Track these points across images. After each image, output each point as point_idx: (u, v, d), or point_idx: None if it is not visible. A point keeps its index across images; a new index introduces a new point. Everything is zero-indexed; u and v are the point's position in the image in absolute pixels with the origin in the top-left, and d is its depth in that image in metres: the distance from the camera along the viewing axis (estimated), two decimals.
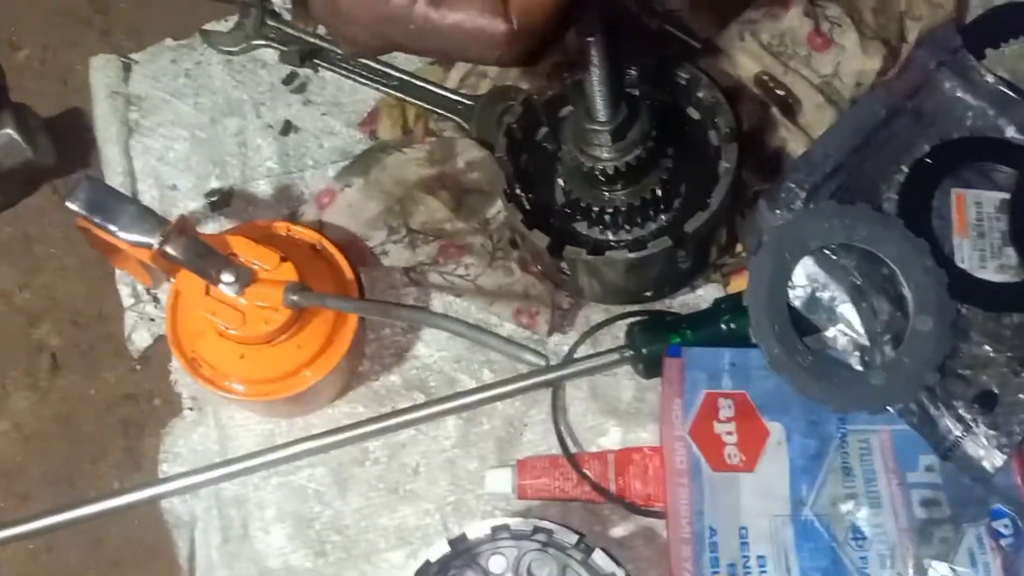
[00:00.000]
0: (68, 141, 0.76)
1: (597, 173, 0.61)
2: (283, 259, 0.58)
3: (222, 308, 0.56)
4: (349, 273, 0.64)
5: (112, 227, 0.53)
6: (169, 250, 0.54)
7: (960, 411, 0.64)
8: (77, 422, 0.71)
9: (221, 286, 0.56)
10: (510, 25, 0.45)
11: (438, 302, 0.72)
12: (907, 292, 0.66)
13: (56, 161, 0.73)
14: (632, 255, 0.62)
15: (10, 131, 0.69)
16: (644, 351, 0.67)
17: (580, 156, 0.61)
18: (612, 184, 0.62)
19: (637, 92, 0.69)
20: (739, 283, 0.72)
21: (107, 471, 0.69)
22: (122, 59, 0.78)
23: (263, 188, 0.75)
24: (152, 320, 0.71)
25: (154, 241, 0.54)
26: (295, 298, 0.56)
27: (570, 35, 0.47)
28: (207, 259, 0.55)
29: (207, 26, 0.78)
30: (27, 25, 0.80)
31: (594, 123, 0.59)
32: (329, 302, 0.55)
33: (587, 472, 0.66)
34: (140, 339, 0.71)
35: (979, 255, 0.69)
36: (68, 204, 0.52)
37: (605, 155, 0.60)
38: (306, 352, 0.61)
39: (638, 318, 0.70)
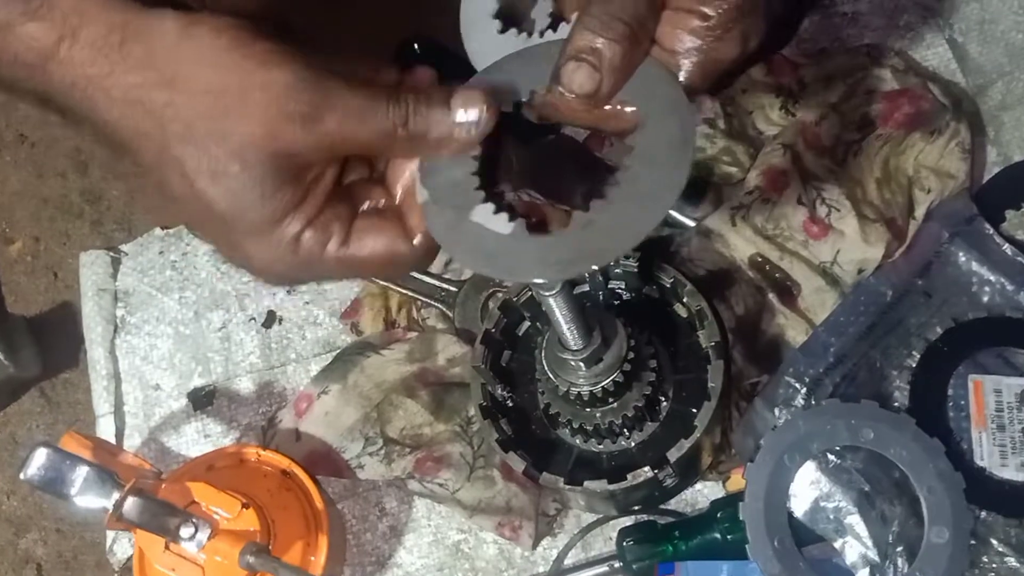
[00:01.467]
0: (56, 340, 0.76)
1: (573, 397, 0.58)
2: (245, 505, 0.56)
3: (182, 564, 0.55)
4: (319, 503, 0.62)
5: (67, 493, 0.52)
6: (125, 513, 0.53)
7: None
8: None
9: (180, 542, 0.54)
10: (410, 246, 0.47)
11: (421, 504, 0.69)
12: (921, 498, 0.61)
13: (41, 369, 0.73)
14: (612, 487, 0.58)
15: None
16: (634, 567, 0.63)
17: (555, 380, 0.58)
18: (591, 405, 0.59)
19: (623, 288, 0.66)
20: (738, 480, 0.68)
21: None
22: (111, 254, 0.78)
23: (245, 385, 0.73)
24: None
25: (109, 504, 0.53)
26: (251, 560, 0.54)
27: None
28: (165, 517, 0.54)
29: None
30: (20, 217, 0.82)
31: (566, 351, 0.56)
32: (282, 572, 0.53)
33: None
34: (121, 551, 0.70)
35: (999, 451, 0.64)
36: (22, 477, 0.51)
37: (581, 380, 0.57)
38: None
39: (629, 524, 0.66)
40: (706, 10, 0.45)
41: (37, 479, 0.52)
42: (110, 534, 0.70)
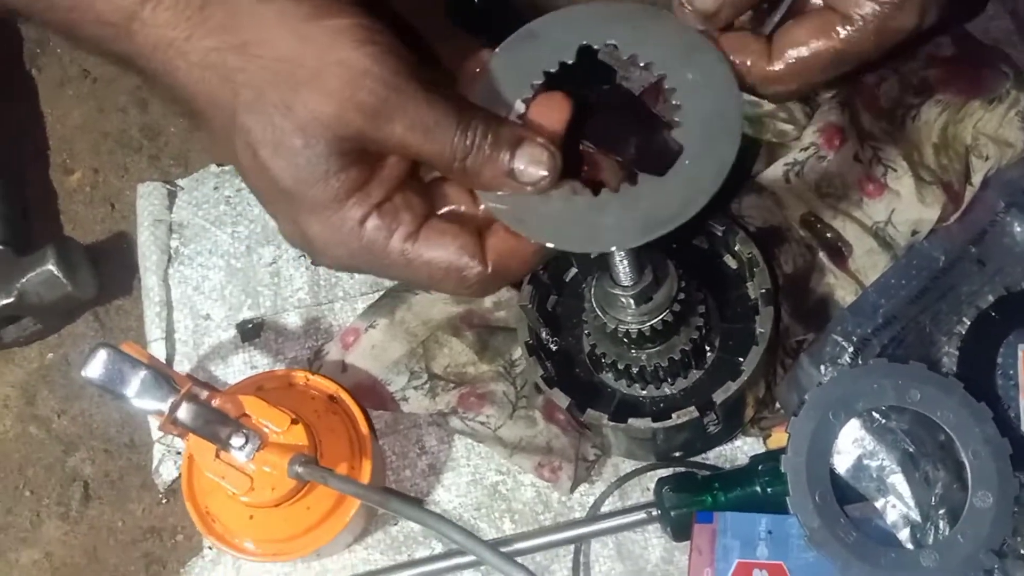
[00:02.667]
0: (112, 267, 0.78)
1: (621, 335, 0.58)
2: (294, 421, 0.57)
3: (231, 472, 0.56)
4: (364, 428, 0.63)
5: (125, 393, 0.54)
6: (179, 417, 0.54)
7: None
8: (103, 555, 0.71)
9: (231, 451, 0.56)
10: (485, 268, 0.45)
11: (461, 444, 0.70)
12: (966, 462, 0.60)
13: (97, 292, 0.75)
14: (656, 424, 0.58)
15: (51, 267, 0.71)
16: (672, 513, 0.63)
17: (604, 317, 0.58)
18: (638, 345, 0.60)
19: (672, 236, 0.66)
20: (780, 438, 0.68)
21: None
22: (167, 186, 0.79)
23: (293, 320, 0.74)
24: (179, 453, 0.71)
25: (165, 407, 0.54)
26: (300, 470, 0.55)
27: None
28: (217, 425, 0.55)
29: None
30: (81, 150, 0.83)
31: (616, 287, 0.56)
32: (331, 481, 0.54)
33: None
34: (167, 472, 0.71)
35: None
36: (83, 374, 0.53)
37: (629, 318, 0.58)
38: (315, 513, 0.60)
39: (668, 472, 0.66)
40: None
41: (97, 377, 0.53)
42: (156, 456, 0.72)
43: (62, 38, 0.48)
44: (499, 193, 0.45)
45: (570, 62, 0.47)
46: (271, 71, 0.42)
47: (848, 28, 0.47)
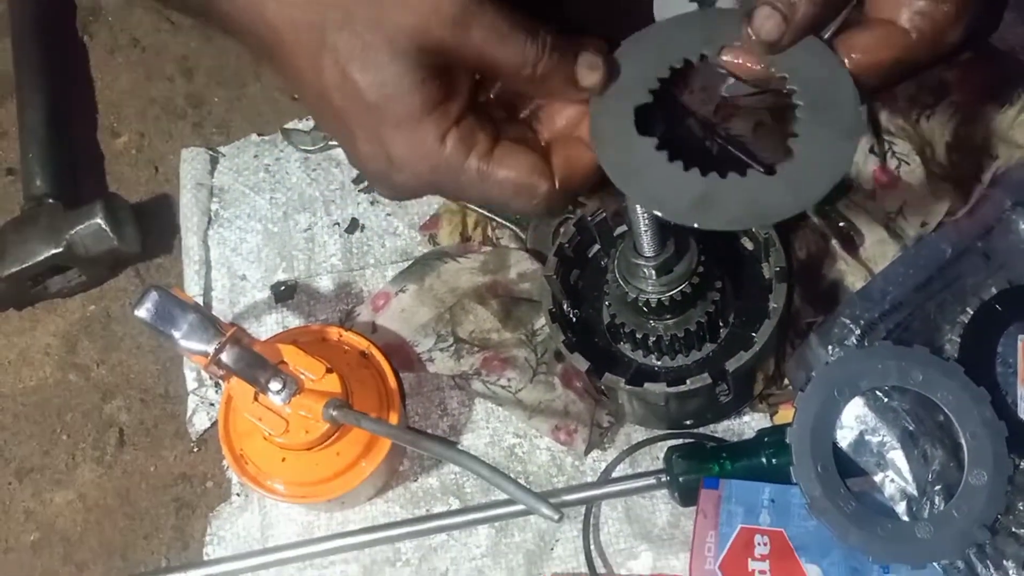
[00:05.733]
0: (154, 227, 0.81)
1: (641, 304, 0.62)
2: (329, 370, 0.61)
3: (268, 415, 0.59)
4: (393, 382, 0.66)
5: (174, 334, 0.57)
6: (223, 359, 0.57)
7: (1011, 573, 0.61)
8: (135, 498, 0.75)
9: (269, 394, 0.59)
10: (551, 184, 0.49)
11: (481, 407, 0.73)
12: (963, 442, 0.63)
13: (141, 248, 0.78)
14: (670, 389, 0.62)
15: (99, 221, 0.75)
16: (680, 479, 0.67)
17: (625, 286, 0.62)
18: (657, 315, 0.63)
19: None
20: (786, 414, 0.71)
21: (157, 548, 0.73)
22: (210, 152, 0.83)
23: (325, 283, 0.78)
24: (212, 405, 0.75)
25: (210, 349, 0.57)
26: (334, 414, 0.58)
27: None
28: (257, 368, 0.58)
29: (288, 125, 0.83)
30: (128, 114, 0.87)
31: (639, 257, 0.60)
32: (364, 423, 0.57)
33: None
34: (200, 422, 0.75)
35: None
36: (136, 313, 0.56)
37: (650, 288, 0.61)
38: (344, 459, 0.64)
39: (678, 442, 0.69)
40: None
41: (148, 317, 0.56)
42: (190, 406, 0.75)
43: None
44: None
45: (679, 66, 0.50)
46: None
47: (909, 39, 0.50)
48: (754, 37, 0.48)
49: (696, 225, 0.47)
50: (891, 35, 0.50)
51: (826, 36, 0.52)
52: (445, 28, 0.46)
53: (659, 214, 0.48)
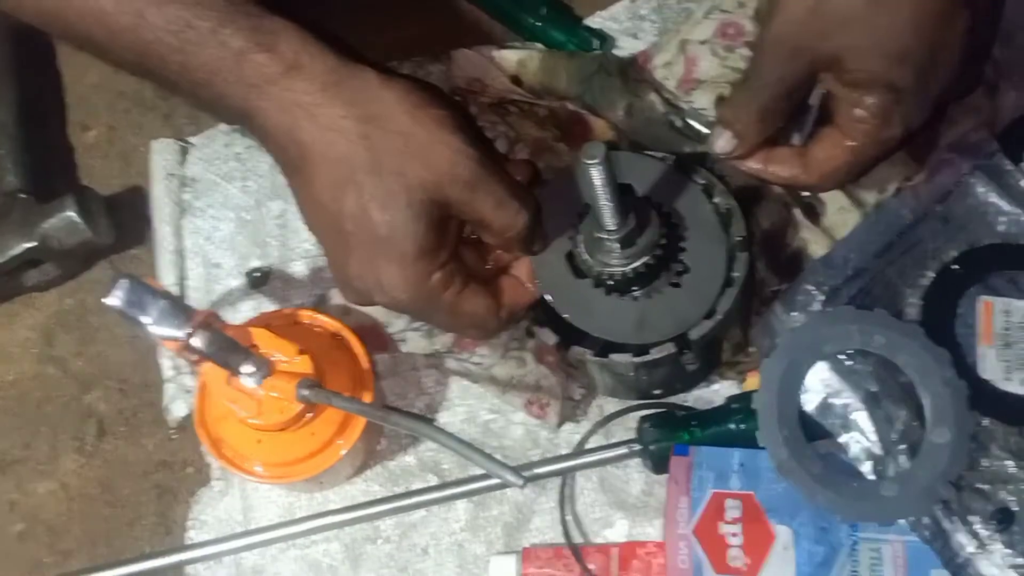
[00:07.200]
0: (127, 218, 0.82)
1: (606, 278, 0.63)
2: (301, 352, 0.62)
3: (241, 397, 0.60)
4: (366, 363, 0.67)
5: (145, 320, 0.58)
6: (194, 343, 0.58)
7: (976, 527, 0.63)
8: (117, 486, 0.76)
9: (241, 377, 0.60)
10: (500, 319, 0.62)
11: (456, 386, 0.74)
12: (925, 402, 0.65)
13: (115, 239, 0.79)
14: (636, 359, 0.63)
15: (71, 213, 0.75)
16: (652, 447, 0.68)
17: (590, 260, 0.63)
18: (623, 288, 0.64)
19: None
20: (754, 381, 0.72)
21: (141, 534, 0.74)
22: (180, 142, 0.83)
23: (299, 269, 0.79)
24: (188, 392, 0.75)
25: (181, 334, 0.58)
26: (306, 393, 0.59)
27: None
28: (229, 352, 0.59)
29: None
30: (97, 108, 0.87)
31: (602, 231, 0.61)
32: (336, 402, 0.58)
33: (590, 565, 0.67)
34: (177, 409, 0.76)
35: (1004, 366, 0.68)
36: (106, 301, 0.57)
37: (614, 261, 0.62)
38: (319, 439, 0.65)
39: (650, 412, 0.71)
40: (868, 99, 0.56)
41: (120, 304, 0.57)
42: (167, 395, 0.76)
43: (172, 88, 0.59)
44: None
45: None
46: (391, 142, 0.54)
47: (853, 143, 0.58)
48: (713, 154, 0.62)
49: (642, 343, 0.62)
50: (838, 142, 0.59)
51: (804, 139, 0.61)
52: (456, 188, 0.55)
53: (611, 339, 0.63)
